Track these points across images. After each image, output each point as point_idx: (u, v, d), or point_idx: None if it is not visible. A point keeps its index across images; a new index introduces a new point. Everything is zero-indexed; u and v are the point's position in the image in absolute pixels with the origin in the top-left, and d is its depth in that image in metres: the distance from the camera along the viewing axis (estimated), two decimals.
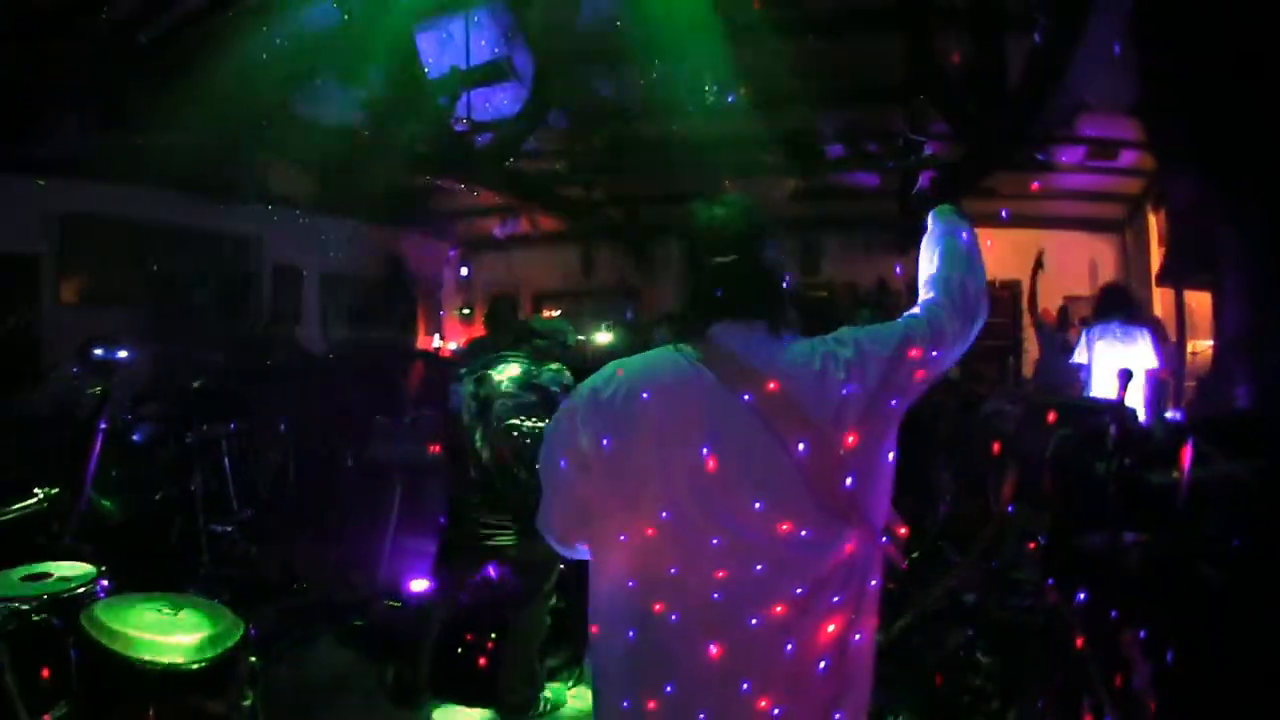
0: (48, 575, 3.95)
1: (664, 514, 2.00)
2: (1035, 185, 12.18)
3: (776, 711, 1.97)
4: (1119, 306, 7.84)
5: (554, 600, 5.37)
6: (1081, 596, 4.08)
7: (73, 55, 7.15)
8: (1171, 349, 9.67)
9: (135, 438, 7.35)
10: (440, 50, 9.34)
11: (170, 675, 3.42)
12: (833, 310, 8.80)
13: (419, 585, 5.96)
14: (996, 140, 8.91)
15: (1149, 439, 4.69)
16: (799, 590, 1.97)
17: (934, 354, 2.15)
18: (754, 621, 1.96)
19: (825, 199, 13.54)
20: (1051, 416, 4.97)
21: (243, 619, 3.78)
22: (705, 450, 2.00)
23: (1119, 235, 14.09)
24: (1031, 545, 4.92)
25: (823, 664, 2.00)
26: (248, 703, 3.74)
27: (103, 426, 5.37)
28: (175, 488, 7.23)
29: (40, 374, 7.54)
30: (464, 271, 17.83)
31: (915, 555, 5.51)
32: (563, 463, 2.16)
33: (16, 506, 3.71)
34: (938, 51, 8.29)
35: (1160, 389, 7.57)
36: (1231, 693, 3.44)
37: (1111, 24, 6.31)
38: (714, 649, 1.97)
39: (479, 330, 10.07)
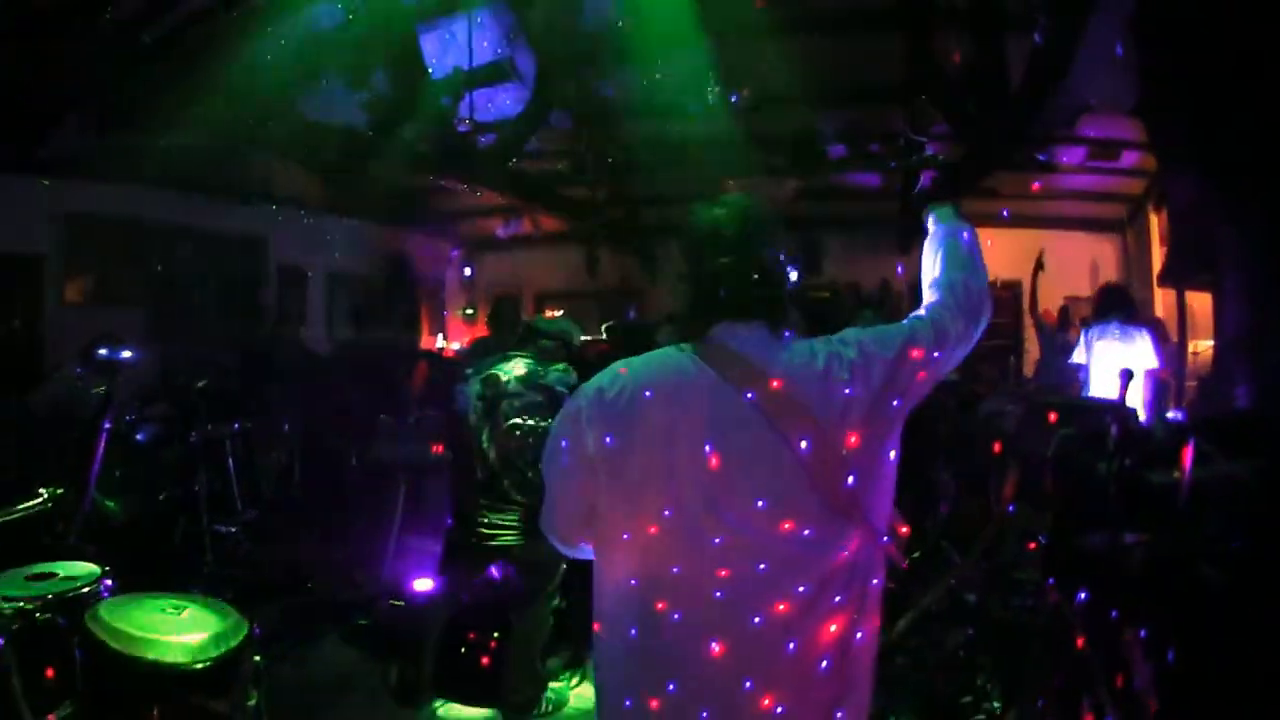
0: (52, 575, 3.96)
1: (667, 512, 2.01)
2: (1036, 185, 12.18)
3: (779, 710, 1.98)
4: (1118, 307, 7.84)
5: (556, 600, 5.38)
6: (1082, 596, 4.07)
7: (77, 55, 7.15)
8: (1172, 349, 9.67)
9: (139, 438, 7.36)
10: (443, 51, 9.35)
11: (174, 674, 3.44)
12: (835, 311, 8.78)
13: (423, 585, 5.97)
14: (997, 140, 8.92)
15: (1150, 439, 4.69)
16: (801, 589, 1.98)
17: (937, 355, 2.16)
18: (756, 620, 1.97)
19: (827, 199, 13.55)
20: (1052, 416, 4.97)
21: (247, 618, 3.78)
22: (708, 447, 2.01)
23: (1120, 235, 14.09)
24: (1032, 545, 4.91)
25: (825, 663, 2.00)
26: (252, 702, 3.74)
27: (106, 426, 5.38)
28: (179, 488, 7.25)
29: (44, 374, 7.55)
30: (467, 272, 17.83)
31: (916, 555, 5.51)
32: (567, 463, 2.17)
33: (21, 507, 3.72)
34: (938, 51, 8.30)
35: (1161, 389, 7.56)
36: (1232, 693, 3.42)
37: (1112, 24, 6.32)
38: (716, 647, 1.97)
39: (482, 330, 10.09)
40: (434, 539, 6.29)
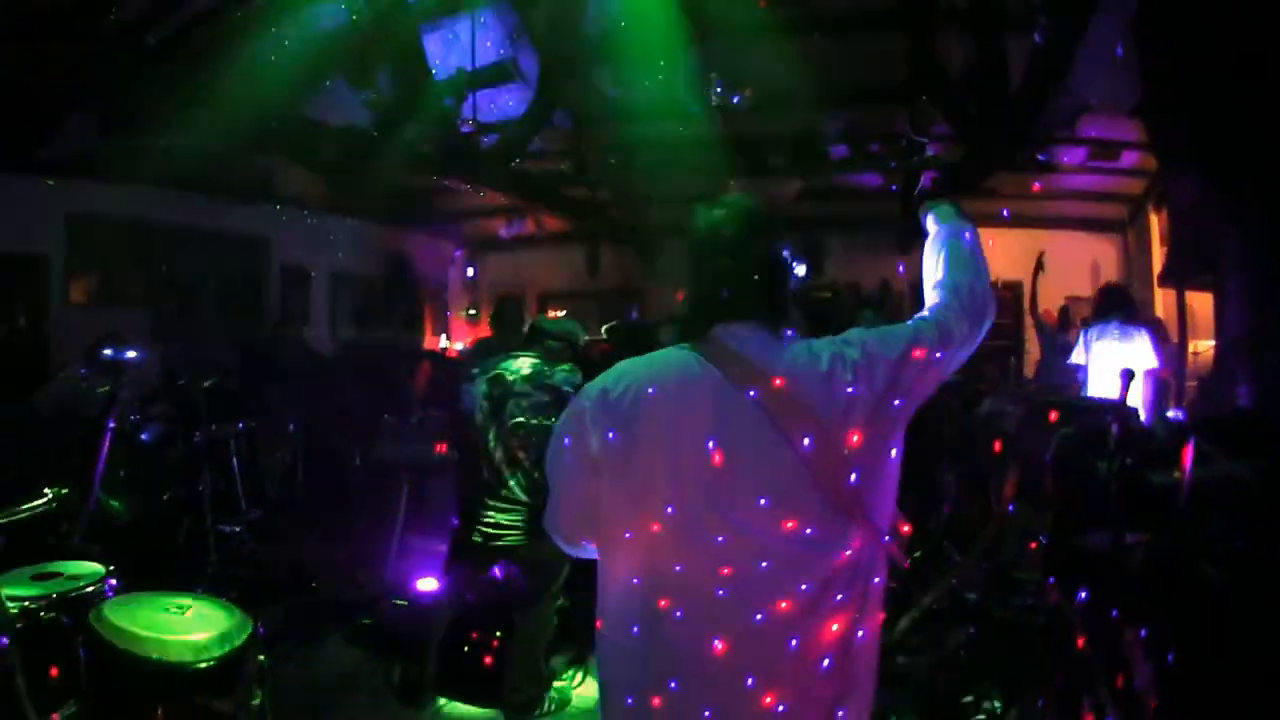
0: (57, 574, 3.98)
1: (669, 509, 2.02)
2: (1037, 185, 12.17)
3: (781, 708, 1.98)
4: (1118, 307, 7.83)
5: (560, 600, 5.39)
6: (1083, 596, 4.08)
7: (81, 56, 7.15)
8: (1173, 349, 9.67)
9: (144, 438, 7.38)
10: (447, 51, 9.37)
11: (178, 674, 3.44)
12: (837, 311, 8.79)
13: (427, 584, 5.98)
14: (998, 141, 8.92)
15: (1150, 439, 4.69)
16: (804, 587, 1.98)
17: (939, 355, 2.16)
18: (759, 617, 1.97)
19: (828, 199, 13.55)
20: (1053, 416, 4.98)
21: (251, 618, 3.79)
22: (711, 444, 2.01)
23: (1121, 235, 14.08)
24: (1033, 545, 4.92)
25: (827, 661, 2.01)
26: (256, 701, 3.75)
27: (111, 426, 5.40)
28: (183, 488, 7.26)
29: (48, 375, 7.56)
30: (470, 272, 17.84)
31: (918, 554, 5.51)
32: (570, 461, 2.18)
33: (26, 507, 3.74)
34: (939, 52, 8.30)
35: (1162, 389, 7.56)
36: (1233, 693, 3.42)
37: (1113, 25, 6.33)
38: (719, 645, 1.98)
39: (485, 331, 10.09)
40: (437, 539, 6.30)
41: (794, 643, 1.98)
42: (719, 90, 9.83)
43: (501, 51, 9.62)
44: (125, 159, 8.94)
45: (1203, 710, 3.56)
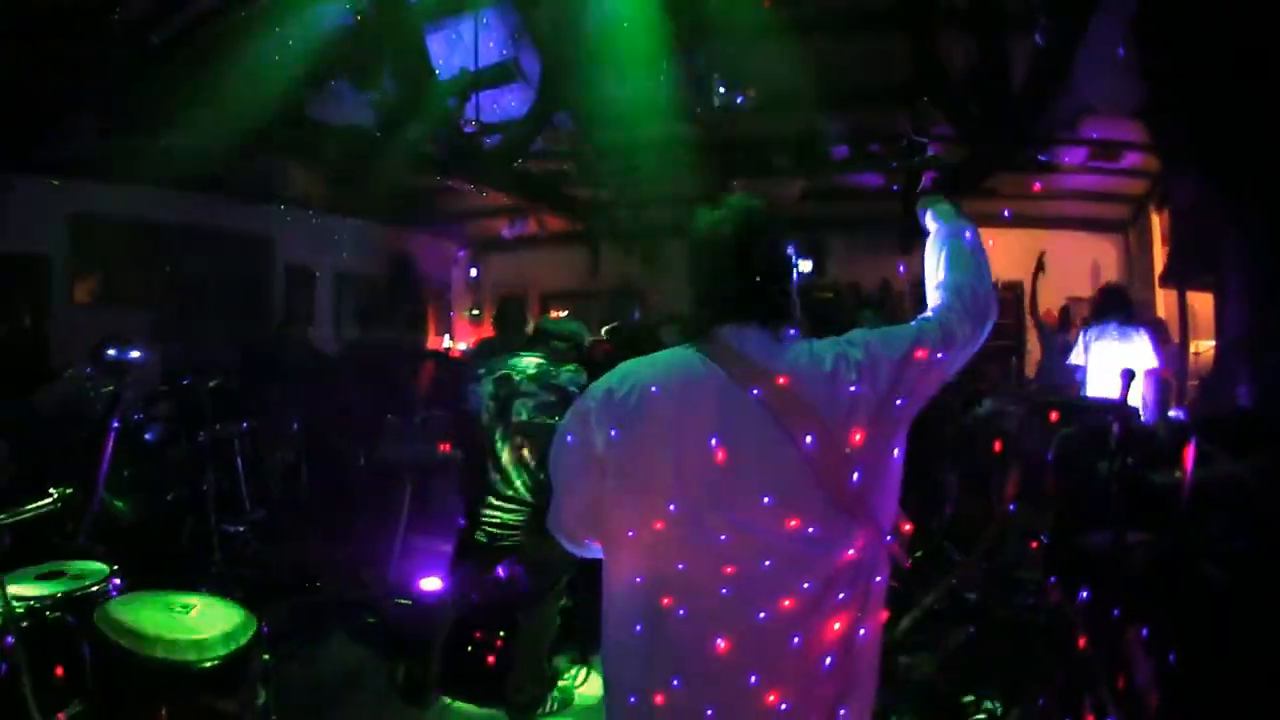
0: (62, 574, 3.99)
1: (672, 507, 2.03)
2: (1038, 185, 12.15)
3: (784, 707, 1.99)
4: (1116, 308, 7.81)
5: (564, 600, 5.40)
6: (1084, 595, 4.10)
7: (85, 56, 7.18)
8: (1173, 349, 9.67)
9: (147, 437, 7.39)
10: (450, 52, 9.37)
11: (183, 673, 3.46)
12: (838, 311, 8.79)
13: (431, 584, 5.99)
14: (999, 141, 8.92)
15: (1151, 439, 4.71)
16: (806, 585, 1.99)
17: (942, 356, 2.17)
18: (762, 615, 1.98)
19: (829, 200, 13.54)
20: (1054, 416, 4.99)
21: (255, 617, 3.80)
22: (714, 441, 2.02)
23: (1122, 236, 14.05)
24: (1034, 544, 4.94)
25: (829, 660, 2.02)
26: (260, 700, 3.77)
27: (115, 426, 5.41)
28: (187, 487, 7.27)
29: (51, 375, 7.57)
30: (473, 273, 17.85)
31: (919, 554, 5.52)
32: (574, 461, 2.19)
33: (31, 506, 3.74)
34: (941, 53, 8.30)
35: (1164, 388, 7.56)
36: (1234, 692, 3.43)
37: (1114, 25, 6.33)
38: (722, 643, 1.99)
39: (488, 331, 10.09)
40: (440, 539, 6.31)
41: (796, 641, 1.99)
42: (722, 90, 9.84)
43: (504, 52, 9.62)
44: (128, 159, 8.95)
45: (1204, 710, 3.57)
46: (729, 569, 2.00)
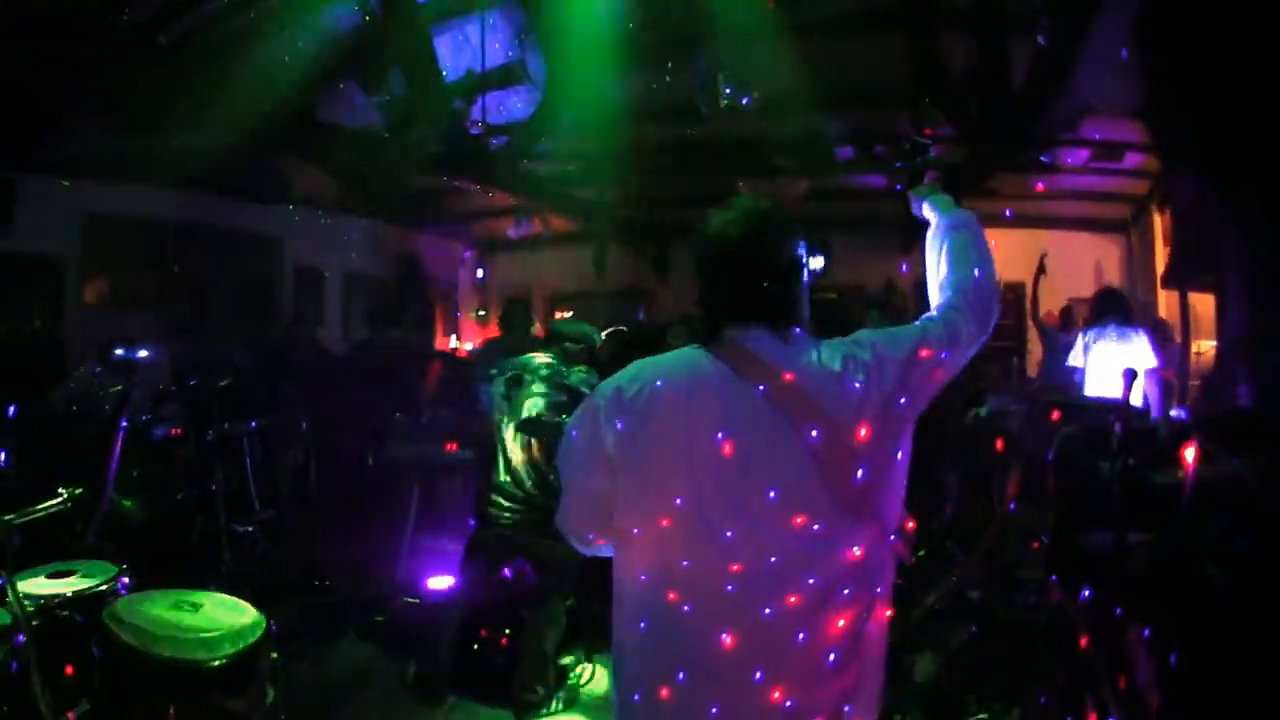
0: (71, 573, 4.01)
1: (678, 501, 2.05)
2: (1040, 186, 12.13)
3: (789, 704, 2.02)
4: (1113, 310, 7.80)
5: (570, 599, 5.42)
6: (1086, 595, 4.11)
7: (94, 56, 7.18)
8: (1174, 350, 9.66)
9: (156, 436, 7.41)
10: (457, 53, 9.38)
11: (192, 672, 3.47)
12: (843, 312, 8.79)
13: (439, 582, 6.01)
14: (1000, 142, 8.92)
15: (1153, 438, 4.71)
16: (812, 582, 2.02)
17: (946, 356, 2.19)
18: (767, 611, 2.01)
19: (831, 200, 13.53)
20: (1055, 415, 5.00)
21: (264, 616, 3.81)
22: (720, 435, 2.05)
23: (1124, 236, 13.98)
24: (1035, 544, 4.94)
25: (833, 656, 2.04)
26: (269, 699, 3.78)
27: (123, 425, 5.44)
28: (196, 487, 7.28)
29: (65, 375, 7.60)
30: (480, 273, 17.85)
31: (921, 554, 5.53)
32: (582, 459, 2.23)
33: (41, 506, 3.77)
34: (941, 53, 8.30)
35: (1165, 388, 7.57)
36: (1235, 692, 3.43)
37: (1115, 26, 6.32)
38: (727, 639, 2.01)
39: (494, 331, 10.11)
40: (448, 538, 6.35)
41: (802, 638, 2.01)
42: (728, 91, 9.84)
43: (510, 54, 9.63)
44: (139, 160, 8.98)
45: (1205, 710, 3.57)
46: (735, 565, 2.02)
